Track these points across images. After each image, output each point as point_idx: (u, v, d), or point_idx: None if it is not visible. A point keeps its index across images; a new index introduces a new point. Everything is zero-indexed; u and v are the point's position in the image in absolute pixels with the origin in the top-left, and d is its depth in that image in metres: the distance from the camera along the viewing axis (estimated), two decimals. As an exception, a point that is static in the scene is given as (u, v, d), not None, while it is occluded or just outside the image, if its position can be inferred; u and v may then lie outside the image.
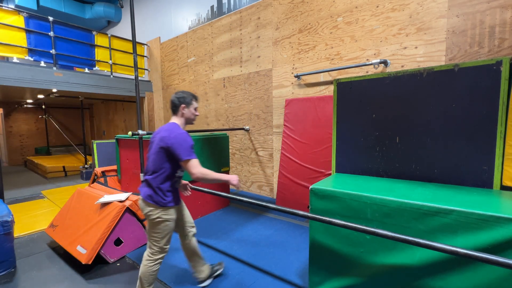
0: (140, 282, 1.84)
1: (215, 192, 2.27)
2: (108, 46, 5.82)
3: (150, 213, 1.74)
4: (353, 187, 1.86)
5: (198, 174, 1.64)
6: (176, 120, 1.83)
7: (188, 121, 1.87)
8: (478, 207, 1.37)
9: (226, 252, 2.71)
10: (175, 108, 1.83)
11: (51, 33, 4.92)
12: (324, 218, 1.78)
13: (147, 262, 1.80)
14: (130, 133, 2.97)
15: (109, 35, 5.82)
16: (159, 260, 1.83)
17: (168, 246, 1.85)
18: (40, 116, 9.38)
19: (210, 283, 2.17)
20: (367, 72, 3.26)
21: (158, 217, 1.74)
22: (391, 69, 3.08)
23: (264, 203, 2.09)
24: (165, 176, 1.74)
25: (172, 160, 1.72)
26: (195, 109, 1.88)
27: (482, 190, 1.73)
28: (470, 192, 1.70)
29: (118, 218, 2.59)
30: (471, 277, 1.38)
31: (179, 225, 1.99)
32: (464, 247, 1.26)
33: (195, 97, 1.88)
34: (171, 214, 1.79)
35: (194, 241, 2.08)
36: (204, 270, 2.14)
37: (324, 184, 1.98)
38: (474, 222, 1.34)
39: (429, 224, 1.47)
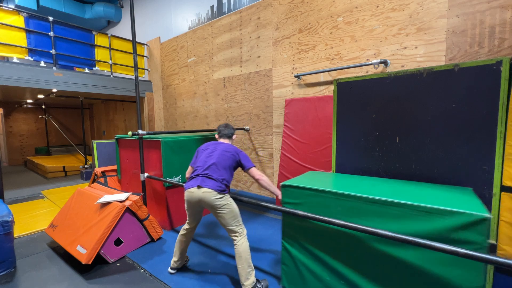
0: (243, 264, 2.03)
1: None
2: (108, 46, 5.82)
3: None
4: (320, 183, 1.98)
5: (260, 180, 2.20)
6: (229, 142, 2.43)
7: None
8: (425, 201, 1.54)
9: (226, 252, 2.71)
10: (230, 135, 2.46)
11: (51, 33, 4.92)
12: (324, 218, 1.78)
13: (242, 240, 2.08)
14: (130, 133, 2.97)
15: (109, 35, 5.82)
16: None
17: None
18: (40, 116, 9.38)
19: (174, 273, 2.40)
20: (367, 72, 3.26)
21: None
22: (391, 69, 3.07)
23: (264, 203, 2.09)
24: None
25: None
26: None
27: (451, 187, 1.87)
28: (434, 188, 1.85)
29: (118, 218, 2.59)
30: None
31: (199, 217, 2.32)
32: (414, 234, 1.50)
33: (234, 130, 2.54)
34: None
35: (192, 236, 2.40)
36: (183, 262, 2.43)
37: (293, 181, 2.07)
38: (419, 213, 1.52)
39: (383, 215, 1.64)
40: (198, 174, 2.15)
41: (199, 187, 2.06)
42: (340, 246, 1.82)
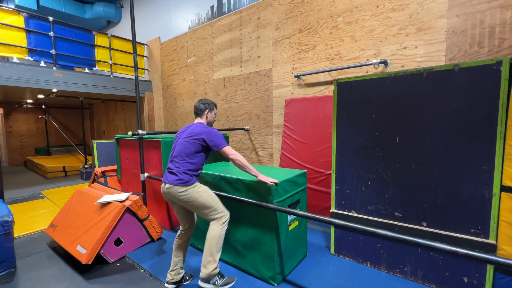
0: (206, 250, 1.93)
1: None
2: (108, 46, 5.82)
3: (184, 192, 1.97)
4: (204, 168, 2.66)
5: (233, 158, 2.00)
6: (201, 121, 2.20)
7: (210, 124, 2.26)
8: (250, 177, 2.20)
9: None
10: (200, 112, 2.20)
11: (51, 33, 4.92)
12: (324, 218, 1.79)
13: (215, 226, 1.96)
14: (130, 133, 2.97)
15: (109, 35, 5.82)
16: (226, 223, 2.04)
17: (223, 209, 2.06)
18: (40, 116, 9.38)
19: None
20: (367, 72, 3.26)
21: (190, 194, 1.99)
22: (391, 69, 3.07)
23: (264, 203, 2.09)
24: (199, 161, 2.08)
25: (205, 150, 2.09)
26: (215, 114, 2.30)
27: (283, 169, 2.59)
28: (278, 170, 2.59)
29: (118, 218, 2.59)
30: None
31: (189, 218, 2.16)
32: (249, 198, 2.18)
33: (215, 105, 2.30)
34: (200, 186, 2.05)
35: (188, 240, 2.21)
36: (180, 275, 2.16)
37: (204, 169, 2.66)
38: (247, 185, 2.20)
39: (232, 186, 2.32)
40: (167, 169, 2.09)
41: (164, 183, 2.02)
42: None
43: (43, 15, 5.02)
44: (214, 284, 1.92)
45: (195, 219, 2.25)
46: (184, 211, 2.13)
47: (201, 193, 1.98)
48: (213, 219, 1.99)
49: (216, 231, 1.95)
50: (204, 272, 1.92)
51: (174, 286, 2.14)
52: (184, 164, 1.99)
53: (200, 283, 1.95)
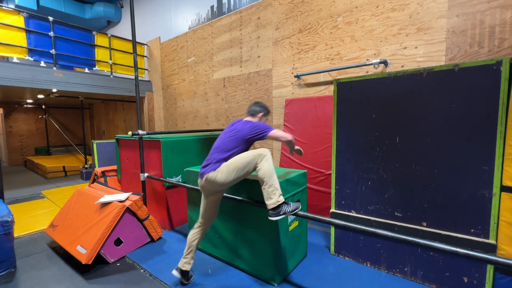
0: (264, 186, 1.90)
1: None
2: (108, 46, 5.82)
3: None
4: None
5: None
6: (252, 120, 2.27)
7: None
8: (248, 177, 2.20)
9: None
10: (254, 113, 2.31)
11: (51, 33, 4.92)
12: (324, 218, 1.79)
13: (261, 164, 1.92)
14: (130, 133, 2.97)
15: (109, 35, 5.82)
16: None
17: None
18: (40, 116, 9.38)
19: (178, 277, 2.16)
20: (367, 72, 3.26)
21: None
22: (391, 69, 3.07)
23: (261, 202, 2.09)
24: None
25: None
26: (266, 120, 2.42)
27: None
28: None
29: (118, 218, 2.59)
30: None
31: (213, 212, 2.18)
32: (249, 198, 2.21)
33: (269, 112, 2.42)
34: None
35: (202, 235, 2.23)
36: (189, 265, 2.16)
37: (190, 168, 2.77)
38: (248, 185, 2.14)
39: (232, 187, 2.29)
40: None
41: (201, 178, 2.05)
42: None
43: (43, 15, 5.02)
44: (284, 213, 1.85)
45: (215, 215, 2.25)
46: (213, 203, 2.14)
47: (232, 160, 1.98)
48: (257, 165, 1.92)
49: (265, 167, 1.89)
50: (271, 203, 1.85)
51: (179, 275, 2.14)
52: (224, 155, 2.03)
53: (272, 218, 1.86)
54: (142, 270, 2.43)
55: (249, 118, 2.30)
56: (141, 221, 2.84)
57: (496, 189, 1.80)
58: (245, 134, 2.06)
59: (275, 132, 2.05)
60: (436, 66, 1.99)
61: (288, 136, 2.08)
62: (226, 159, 2.01)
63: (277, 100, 4.15)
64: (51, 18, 4.91)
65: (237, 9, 4.68)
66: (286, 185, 2.18)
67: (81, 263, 2.35)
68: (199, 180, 2.09)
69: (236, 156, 2.00)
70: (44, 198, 4.77)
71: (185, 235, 3.09)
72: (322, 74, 3.62)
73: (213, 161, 2.03)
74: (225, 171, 1.94)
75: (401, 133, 2.16)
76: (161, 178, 3.12)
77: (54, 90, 5.20)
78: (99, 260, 2.51)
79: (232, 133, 2.11)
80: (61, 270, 2.45)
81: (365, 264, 2.42)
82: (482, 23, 2.54)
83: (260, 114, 2.31)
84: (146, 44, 6.69)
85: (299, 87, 3.88)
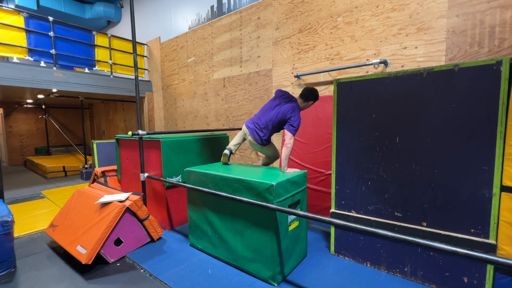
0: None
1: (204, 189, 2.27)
2: (108, 46, 5.82)
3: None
4: (203, 168, 2.74)
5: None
6: (299, 102, 2.83)
7: (302, 109, 2.87)
8: (250, 177, 2.24)
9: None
10: (304, 97, 2.80)
11: (51, 33, 4.92)
12: (324, 218, 1.79)
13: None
14: (130, 133, 2.97)
15: (109, 35, 5.82)
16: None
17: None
18: (40, 116, 9.37)
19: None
20: (367, 72, 3.26)
21: None
22: (391, 69, 3.08)
23: (264, 203, 2.09)
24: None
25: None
26: (309, 106, 2.89)
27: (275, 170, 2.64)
28: (265, 170, 2.65)
29: (118, 218, 2.59)
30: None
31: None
32: (248, 197, 2.22)
33: (317, 98, 2.87)
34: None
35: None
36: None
37: (192, 168, 2.79)
38: (247, 185, 2.23)
39: (232, 187, 2.35)
40: None
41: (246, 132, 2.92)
42: (216, 211, 2.56)
43: (43, 15, 5.02)
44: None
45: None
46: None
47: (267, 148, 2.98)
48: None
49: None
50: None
51: (229, 153, 2.90)
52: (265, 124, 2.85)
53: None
54: (142, 270, 2.43)
55: (300, 101, 2.80)
56: (141, 221, 2.84)
57: (496, 189, 1.80)
58: (279, 122, 2.75)
59: (287, 144, 2.59)
60: (436, 66, 1.99)
61: (286, 154, 2.56)
62: (266, 133, 2.81)
63: (277, 100, 4.14)
64: (51, 18, 4.91)
65: (237, 9, 4.68)
66: (286, 185, 2.19)
67: (81, 263, 2.35)
68: (243, 127, 2.91)
69: (271, 147, 3.00)
70: (44, 198, 4.77)
71: (185, 235, 3.09)
72: (322, 74, 3.62)
73: (260, 126, 2.81)
74: (259, 148, 2.91)
75: (401, 133, 2.16)
76: (161, 178, 3.12)
77: (54, 90, 5.20)
78: (99, 260, 2.51)
79: (276, 114, 2.74)
80: (61, 270, 2.45)
81: (365, 264, 2.42)
82: (482, 23, 2.54)
83: (302, 100, 2.83)
84: (146, 44, 6.69)
85: (299, 87, 3.88)
